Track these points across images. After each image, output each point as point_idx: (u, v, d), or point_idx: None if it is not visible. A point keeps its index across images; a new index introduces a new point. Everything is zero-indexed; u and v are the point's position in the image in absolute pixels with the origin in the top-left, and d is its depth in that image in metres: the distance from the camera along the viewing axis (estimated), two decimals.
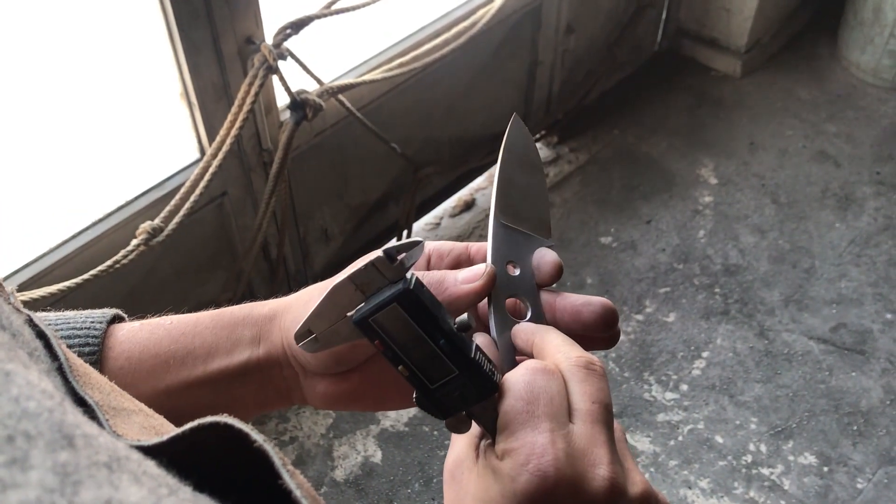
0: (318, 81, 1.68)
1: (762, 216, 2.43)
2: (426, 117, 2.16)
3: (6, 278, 1.46)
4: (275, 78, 1.58)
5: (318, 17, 1.60)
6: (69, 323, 0.55)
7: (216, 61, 1.54)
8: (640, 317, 2.19)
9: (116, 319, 0.58)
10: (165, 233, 1.48)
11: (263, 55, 1.53)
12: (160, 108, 1.63)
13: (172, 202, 1.51)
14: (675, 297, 2.23)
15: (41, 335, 0.37)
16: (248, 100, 1.53)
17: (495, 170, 0.58)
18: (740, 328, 2.16)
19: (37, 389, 0.24)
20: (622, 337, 2.14)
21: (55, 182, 1.59)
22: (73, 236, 1.53)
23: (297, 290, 0.59)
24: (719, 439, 1.95)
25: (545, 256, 0.57)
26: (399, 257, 0.47)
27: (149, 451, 0.29)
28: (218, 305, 0.60)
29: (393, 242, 0.49)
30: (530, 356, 0.52)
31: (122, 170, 1.63)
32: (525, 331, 0.53)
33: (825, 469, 1.89)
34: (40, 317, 0.40)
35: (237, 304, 0.59)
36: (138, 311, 0.62)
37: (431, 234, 2.40)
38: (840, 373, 2.07)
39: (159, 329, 0.57)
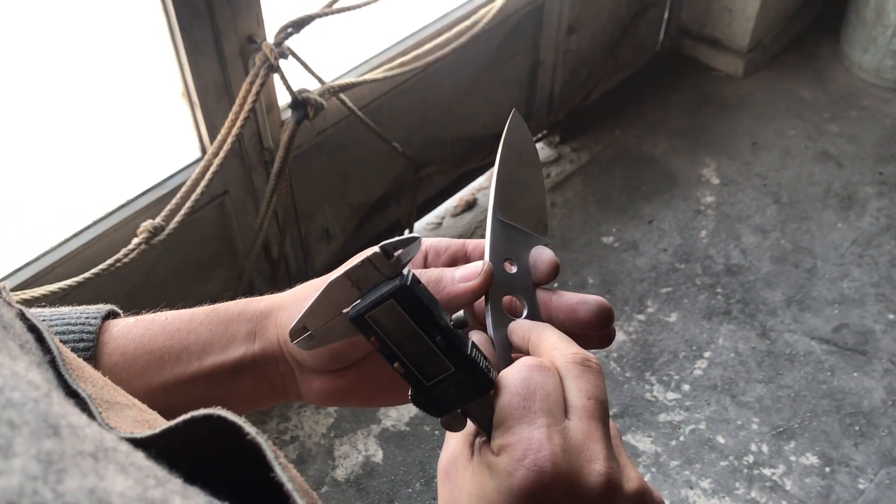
0: (320, 80, 1.68)
1: (764, 216, 2.42)
2: (427, 117, 2.16)
3: (8, 276, 1.47)
4: (276, 77, 1.58)
5: (319, 16, 1.60)
6: (64, 318, 0.55)
7: (217, 60, 1.54)
8: (641, 317, 2.19)
9: (111, 315, 0.58)
10: (166, 232, 1.48)
11: (265, 54, 1.54)
12: (161, 106, 1.63)
13: (173, 201, 1.51)
14: (677, 297, 2.23)
15: (33, 329, 0.37)
16: (250, 99, 1.53)
17: (494, 166, 0.58)
18: (742, 328, 2.16)
19: (22, 380, 0.24)
20: (624, 337, 2.14)
21: (57, 181, 1.59)
22: (75, 235, 1.53)
23: None
24: (721, 439, 1.95)
25: (542, 255, 0.57)
26: (396, 253, 0.47)
27: (141, 443, 0.29)
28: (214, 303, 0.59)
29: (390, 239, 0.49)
30: (526, 353, 0.52)
31: (124, 168, 1.63)
32: (521, 327, 0.53)
33: (827, 469, 1.89)
34: (35, 312, 0.40)
35: None
36: (139, 310, 0.62)
37: (433, 234, 2.39)
38: (842, 373, 2.06)
39: (154, 325, 0.57)
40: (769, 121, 2.70)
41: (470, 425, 0.49)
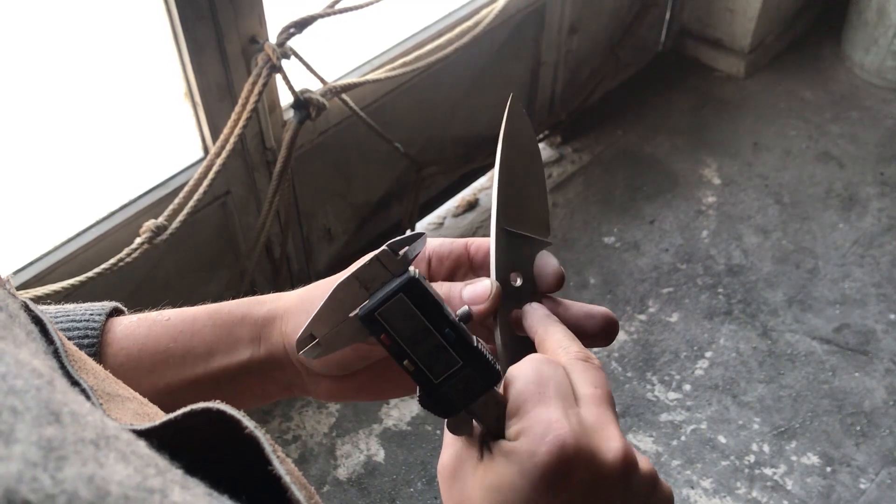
0: (322, 81, 1.69)
1: (766, 216, 2.42)
2: (429, 117, 2.17)
3: (11, 276, 1.47)
4: (278, 77, 1.59)
5: (321, 16, 1.61)
6: (69, 315, 0.55)
7: (220, 60, 1.55)
8: (643, 317, 2.19)
9: (115, 312, 0.58)
10: (169, 231, 1.49)
11: (267, 54, 1.54)
12: (164, 107, 1.63)
13: (176, 201, 1.51)
14: (679, 297, 2.23)
15: (37, 321, 0.38)
16: (252, 99, 1.53)
17: (495, 166, 0.58)
18: (743, 328, 2.16)
19: (26, 368, 0.24)
20: (625, 336, 2.14)
21: (60, 180, 1.59)
22: (78, 234, 1.53)
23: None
24: (722, 439, 1.95)
25: (546, 267, 0.57)
26: (402, 251, 0.48)
27: (141, 434, 0.29)
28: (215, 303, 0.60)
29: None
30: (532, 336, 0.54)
31: (126, 168, 1.63)
32: (533, 317, 0.54)
33: (828, 469, 1.89)
34: (39, 308, 0.41)
35: None
36: (141, 309, 0.62)
37: (434, 234, 2.39)
38: (843, 373, 2.06)
39: (157, 325, 0.57)
40: (770, 121, 2.70)
41: (475, 429, 0.50)
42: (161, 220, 1.48)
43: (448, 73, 2.06)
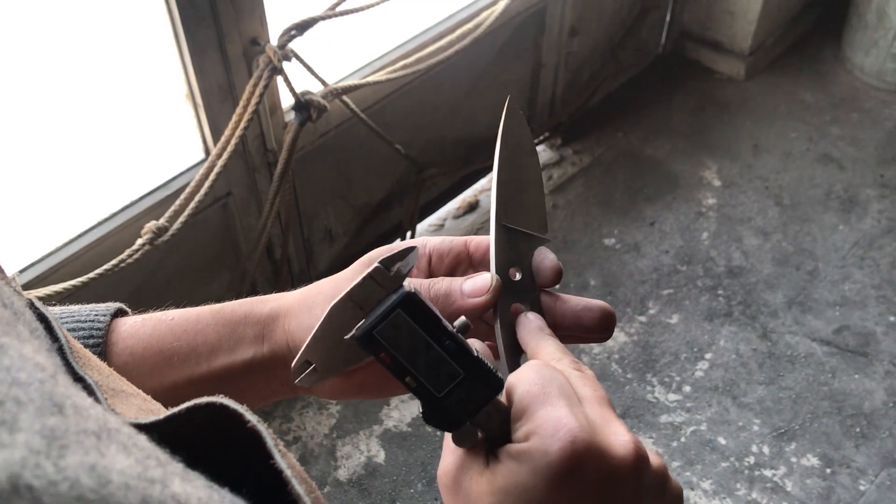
0: (323, 83, 1.69)
1: (766, 218, 2.43)
2: (430, 119, 2.17)
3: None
4: (279, 79, 1.59)
5: (322, 18, 1.61)
6: (73, 315, 0.56)
7: (221, 62, 1.55)
8: (643, 318, 2.19)
9: (120, 313, 0.59)
10: (170, 232, 1.49)
11: (268, 56, 1.54)
12: (166, 108, 1.64)
13: (177, 202, 1.52)
14: (679, 298, 2.23)
15: (42, 318, 0.38)
16: (253, 101, 1.54)
17: (494, 165, 0.59)
18: (743, 330, 2.17)
19: (30, 362, 0.24)
20: (625, 338, 2.14)
21: (62, 182, 1.60)
22: (79, 235, 1.54)
23: None
24: (722, 441, 1.95)
25: (544, 261, 0.58)
26: (395, 266, 0.47)
27: (144, 428, 0.30)
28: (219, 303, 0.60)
29: (384, 251, 0.49)
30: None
31: (128, 170, 1.64)
32: (525, 330, 0.55)
33: (828, 471, 1.89)
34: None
35: None
36: (143, 310, 0.63)
37: (435, 236, 2.40)
38: (843, 375, 2.07)
39: (161, 325, 0.57)
40: (771, 123, 2.71)
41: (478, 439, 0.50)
42: (162, 221, 1.49)
43: (449, 75, 2.07)
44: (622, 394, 2.04)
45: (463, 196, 2.48)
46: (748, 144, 2.64)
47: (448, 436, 0.49)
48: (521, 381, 0.48)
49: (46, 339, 0.36)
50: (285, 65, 1.57)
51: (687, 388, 2.05)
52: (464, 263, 0.60)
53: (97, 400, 0.36)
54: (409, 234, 2.24)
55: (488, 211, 2.45)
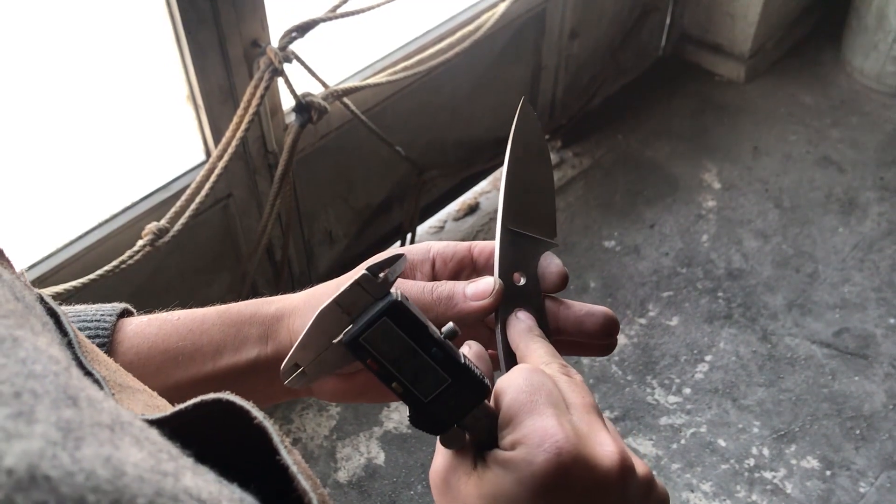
0: (323, 84, 1.69)
1: (765, 221, 2.43)
2: (430, 121, 2.17)
3: None
4: (280, 81, 1.59)
5: (323, 20, 1.62)
6: (80, 315, 0.56)
7: (222, 64, 1.55)
8: (643, 320, 2.19)
9: (126, 313, 0.59)
10: (171, 234, 1.49)
11: (269, 58, 1.55)
12: (167, 110, 1.64)
13: (178, 203, 1.52)
14: (679, 301, 2.23)
15: (52, 313, 0.38)
16: (254, 102, 1.54)
17: (503, 167, 0.59)
18: (743, 332, 2.17)
19: (44, 355, 0.25)
20: (625, 340, 2.15)
21: (63, 183, 1.60)
22: (80, 237, 1.54)
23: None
24: (722, 443, 1.95)
25: (550, 266, 0.58)
26: (382, 273, 0.48)
27: (152, 424, 0.30)
28: (223, 304, 0.60)
29: (374, 259, 0.49)
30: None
31: (129, 171, 1.64)
32: (515, 331, 0.55)
33: (827, 473, 1.89)
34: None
35: None
36: (143, 312, 0.63)
37: (435, 238, 2.40)
38: (843, 377, 2.07)
39: (167, 325, 0.57)
40: (770, 126, 2.71)
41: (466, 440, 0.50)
42: (163, 222, 1.49)
43: (449, 77, 2.07)
44: (622, 396, 2.04)
45: (463, 198, 2.48)
46: (748, 147, 2.64)
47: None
48: (509, 387, 0.48)
49: (56, 333, 0.36)
50: (286, 66, 1.57)
51: (687, 391, 2.06)
52: (468, 268, 0.60)
53: (105, 395, 0.36)
54: (409, 236, 2.24)
55: (488, 213, 2.45)
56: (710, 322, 2.19)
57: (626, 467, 0.46)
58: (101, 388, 0.36)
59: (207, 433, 0.33)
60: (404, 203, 2.22)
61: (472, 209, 2.48)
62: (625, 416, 2.00)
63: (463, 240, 2.40)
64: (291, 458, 0.34)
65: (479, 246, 0.59)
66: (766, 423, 1.99)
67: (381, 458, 1.93)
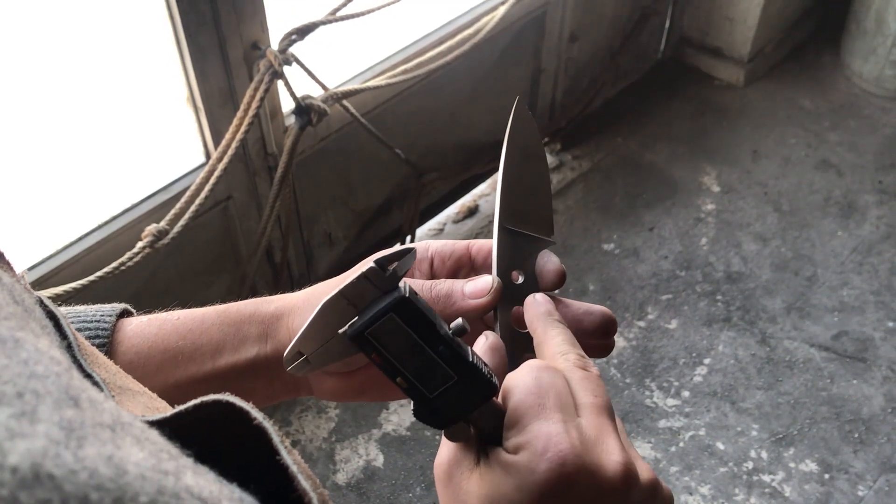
0: (323, 87, 1.70)
1: (764, 224, 2.43)
2: (430, 123, 2.18)
3: None
4: (280, 83, 1.60)
5: (323, 23, 1.62)
6: (80, 316, 0.56)
7: (222, 66, 1.56)
8: (642, 323, 2.19)
9: (125, 314, 0.59)
10: (171, 235, 1.49)
11: (269, 61, 1.55)
12: (166, 112, 1.64)
13: (178, 205, 1.52)
14: (678, 303, 2.24)
15: (51, 315, 0.38)
16: (254, 105, 1.54)
17: (500, 163, 0.59)
18: (742, 335, 2.17)
19: (45, 356, 0.25)
20: (624, 343, 2.15)
21: (62, 184, 1.60)
22: (80, 238, 1.54)
23: None
24: (720, 446, 1.95)
25: (548, 264, 0.58)
26: (391, 267, 0.47)
27: (152, 425, 0.30)
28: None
29: (383, 252, 0.49)
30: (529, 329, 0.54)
31: (129, 173, 1.64)
32: (534, 314, 0.54)
33: (826, 476, 1.89)
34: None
35: None
36: (143, 312, 0.63)
37: (435, 240, 2.40)
38: (841, 380, 2.07)
39: (167, 324, 0.58)
40: (770, 129, 2.71)
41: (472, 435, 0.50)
42: (163, 224, 1.49)
43: (449, 80, 2.07)
44: (621, 398, 2.04)
45: (462, 201, 2.49)
46: (747, 150, 2.65)
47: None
48: (517, 387, 0.48)
49: (56, 336, 0.36)
50: (286, 69, 1.57)
51: (686, 394, 2.06)
52: (466, 267, 0.60)
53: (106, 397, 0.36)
54: (408, 238, 2.24)
55: (488, 215, 2.45)
56: (708, 325, 2.19)
57: (630, 476, 0.46)
58: (101, 390, 0.37)
59: (207, 434, 0.33)
60: (404, 205, 2.23)
61: (472, 212, 2.48)
62: (623, 418, 2.00)
63: None
64: (291, 458, 0.34)
65: (478, 244, 0.59)
66: (765, 426, 1.99)
67: (379, 460, 1.93)
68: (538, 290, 0.58)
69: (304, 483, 0.33)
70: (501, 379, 0.50)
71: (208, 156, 1.65)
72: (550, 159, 2.64)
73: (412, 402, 0.48)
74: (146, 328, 0.57)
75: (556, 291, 0.59)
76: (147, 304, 0.72)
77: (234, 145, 1.53)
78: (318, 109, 1.64)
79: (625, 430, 0.51)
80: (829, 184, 2.54)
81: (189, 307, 0.60)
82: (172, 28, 1.48)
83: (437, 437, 1.95)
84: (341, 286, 0.47)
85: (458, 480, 0.48)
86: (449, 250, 0.59)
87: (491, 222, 2.42)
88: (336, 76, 1.81)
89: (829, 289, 2.26)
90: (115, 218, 1.58)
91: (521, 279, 0.57)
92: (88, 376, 0.37)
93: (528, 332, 0.55)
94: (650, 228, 2.42)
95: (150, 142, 1.68)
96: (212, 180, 1.53)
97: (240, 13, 1.51)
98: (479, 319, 0.57)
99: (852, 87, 2.84)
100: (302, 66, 1.62)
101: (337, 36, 1.77)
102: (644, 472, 0.48)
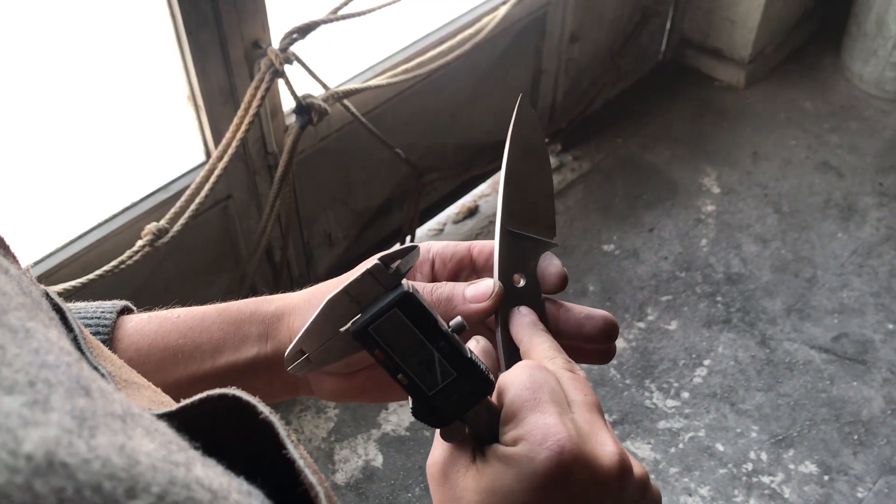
0: (324, 86, 1.70)
1: (764, 225, 2.43)
2: (430, 124, 2.18)
3: None
4: (281, 82, 1.60)
5: (324, 22, 1.62)
6: (80, 313, 0.56)
7: (223, 65, 1.56)
8: (641, 324, 2.19)
9: (126, 311, 0.59)
10: (170, 234, 1.49)
11: (270, 59, 1.55)
12: (167, 110, 1.64)
13: (178, 204, 1.52)
14: (677, 305, 2.24)
15: (57, 308, 0.38)
16: (254, 103, 1.54)
17: (501, 167, 0.59)
18: (742, 337, 2.17)
19: (55, 346, 0.25)
20: (624, 344, 2.15)
21: (62, 182, 1.60)
22: (80, 236, 1.54)
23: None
24: (720, 447, 1.95)
25: (549, 267, 0.58)
26: (394, 264, 0.48)
27: (159, 418, 0.30)
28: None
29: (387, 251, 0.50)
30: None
31: (129, 171, 1.64)
32: (519, 325, 0.55)
33: (825, 478, 1.89)
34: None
35: None
36: (143, 311, 0.63)
37: (434, 240, 2.40)
38: (841, 382, 2.07)
39: (167, 322, 0.57)
40: (770, 131, 2.72)
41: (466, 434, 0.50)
42: (163, 223, 1.49)
43: (449, 80, 2.07)
44: (620, 399, 2.04)
45: (462, 201, 2.48)
46: (747, 152, 2.65)
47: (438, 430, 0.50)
48: (512, 384, 0.49)
49: (62, 328, 0.36)
50: (287, 68, 1.57)
51: (685, 395, 2.06)
52: (467, 269, 0.60)
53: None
54: (408, 238, 2.24)
55: (488, 216, 2.45)
56: (708, 326, 2.19)
57: (625, 467, 0.47)
58: (109, 382, 0.36)
59: (213, 428, 0.33)
60: (404, 205, 2.23)
61: (472, 212, 2.48)
62: (623, 419, 2.00)
63: None
64: (298, 452, 0.34)
65: (479, 246, 0.59)
66: (765, 427, 1.99)
67: (378, 460, 1.92)
68: (540, 294, 0.58)
69: (311, 477, 0.33)
70: (494, 379, 0.51)
71: (208, 155, 1.65)
72: (551, 160, 2.63)
73: (411, 401, 0.49)
74: (146, 326, 0.57)
75: (557, 295, 0.59)
76: (146, 302, 0.71)
77: (234, 144, 1.53)
78: (319, 109, 1.64)
79: (613, 431, 0.52)
80: (830, 186, 2.54)
81: (189, 305, 0.60)
82: (173, 26, 1.48)
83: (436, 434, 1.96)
84: (345, 283, 0.48)
85: (454, 478, 0.48)
86: (450, 252, 0.59)
87: (491, 223, 2.42)
88: (337, 75, 1.81)
89: (829, 291, 2.26)
90: (114, 216, 1.57)
91: (522, 282, 0.57)
92: (95, 369, 0.37)
93: None
94: (650, 229, 2.42)
95: (150, 140, 1.68)
96: (212, 179, 1.53)
97: (241, 12, 1.51)
98: (480, 322, 0.57)
99: (853, 89, 2.84)
100: (303, 65, 1.62)
101: (338, 35, 1.77)
102: (636, 466, 0.49)
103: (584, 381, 0.51)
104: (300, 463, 0.33)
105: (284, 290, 0.60)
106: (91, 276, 1.43)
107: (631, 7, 2.59)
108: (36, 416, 0.21)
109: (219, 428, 0.34)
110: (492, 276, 0.57)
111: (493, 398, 0.50)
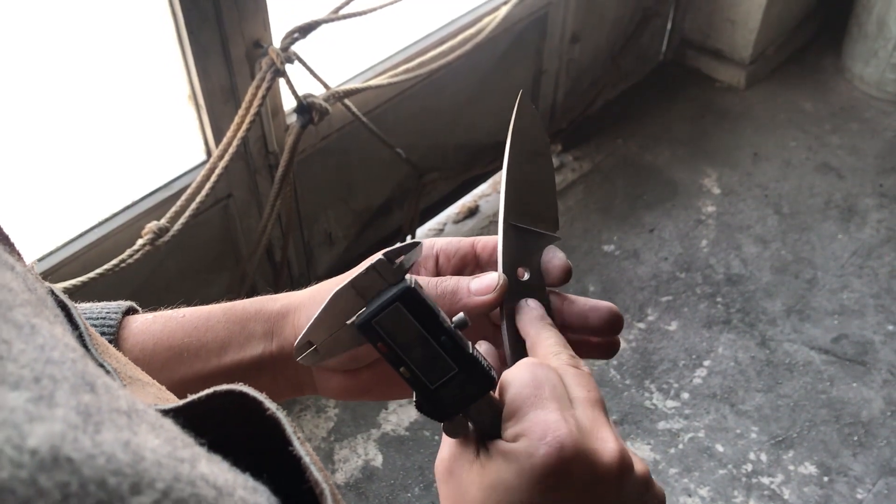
0: (325, 86, 1.70)
1: (765, 226, 2.43)
2: (431, 123, 2.18)
3: None
4: (282, 81, 1.60)
5: (325, 21, 1.62)
6: (85, 313, 0.56)
7: (224, 64, 1.56)
8: (641, 325, 2.19)
9: (131, 311, 0.59)
10: (171, 233, 1.49)
11: (271, 59, 1.55)
12: (168, 109, 1.64)
13: (178, 203, 1.52)
14: (677, 305, 2.24)
15: (62, 305, 0.38)
16: (255, 103, 1.54)
17: (503, 162, 0.59)
18: (742, 337, 2.17)
19: (60, 342, 0.25)
20: (624, 344, 2.15)
21: (63, 181, 1.60)
22: (80, 235, 1.54)
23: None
24: (720, 448, 1.95)
25: (553, 260, 0.58)
26: (398, 260, 0.49)
27: (165, 414, 0.30)
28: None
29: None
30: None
31: (130, 170, 1.64)
32: (525, 318, 0.55)
33: (825, 479, 1.89)
34: None
35: None
36: (146, 310, 0.63)
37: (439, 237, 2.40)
38: (841, 383, 2.07)
39: (172, 322, 0.58)
40: (770, 132, 2.72)
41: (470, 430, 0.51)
42: (163, 222, 1.49)
43: (450, 80, 2.07)
44: (620, 400, 2.04)
45: (463, 201, 2.48)
46: (748, 153, 2.65)
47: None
48: (514, 381, 0.49)
49: (67, 325, 0.36)
50: (288, 67, 1.57)
51: (685, 395, 2.06)
52: (470, 264, 0.60)
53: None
54: (408, 238, 2.24)
55: (488, 216, 2.44)
56: (708, 327, 2.19)
57: (625, 464, 0.47)
58: (114, 379, 0.36)
59: (219, 424, 0.33)
60: (404, 205, 2.23)
61: (472, 212, 2.48)
62: (623, 420, 2.00)
63: None
64: (304, 449, 0.34)
65: (483, 241, 0.60)
66: (764, 428, 1.99)
67: (378, 460, 1.92)
68: (544, 287, 0.58)
69: (317, 474, 0.33)
70: (498, 376, 0.51)
71: (209, 154, 1.65)
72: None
73: (414, 395, 0.50)
74: (151, 325, 0.57)
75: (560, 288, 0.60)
76: (147, 301, 0.72)
77: (235, 143, 1.53)
78: (320, 108, 1.64)
79: (616, 429, 0.52)
80: (830, 187, 2.54)
81: (192, 304, 0.60)
82: (175, 25, 1.48)
83: (436, 437, 1.96)
84: (352, 277, 0.49)
85: (458, 474, 0.49)
86: (454, 247, 0.59)
87: (492, 222, 2.42)
88: (338, 75, 1.81)
89: (829, 292, 2.26)
90: (115, 215, 1.57)
91: (526, 276, 0.58)
92: (100, 365, 0.37)
93: None
94: (650, 230, 2.42)
95: (151, 139, 1.68)
96: (213, 178, 1.53)
97: (242, 11, 1.51)
98: (484, 316, 0.57)
99: (853, 91, 2.85)
100: (304, 64, 1.62)
101: (339, 34, 1.77)
102: (638, 464, 0.49)
103: (589, 378, 0.51)
104: (306, 460, 0.34)
105: (285, 290, 0.60)
106: (91, 274, 1.43)
107: (632, 8, 2.59)
108: (41, 411, 0.21)
109: (224, 424, 0.34)
110: (496, 271, 0.57)
111: (497, 395, 0.50)
